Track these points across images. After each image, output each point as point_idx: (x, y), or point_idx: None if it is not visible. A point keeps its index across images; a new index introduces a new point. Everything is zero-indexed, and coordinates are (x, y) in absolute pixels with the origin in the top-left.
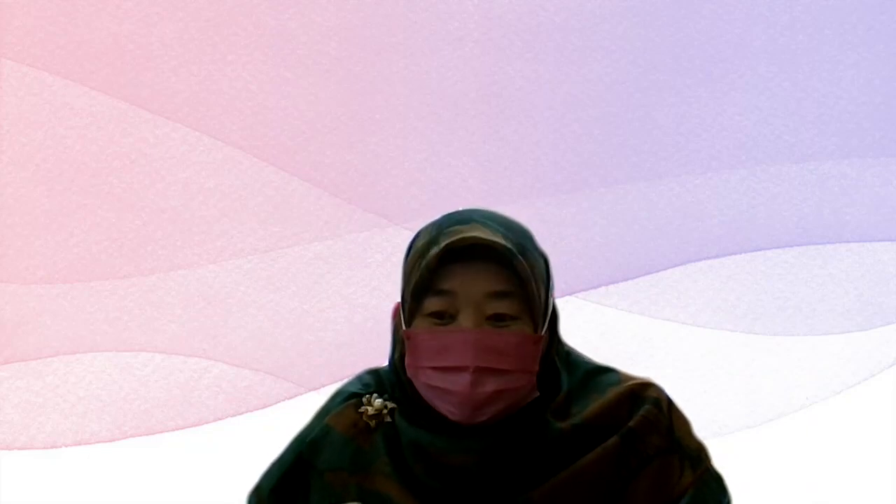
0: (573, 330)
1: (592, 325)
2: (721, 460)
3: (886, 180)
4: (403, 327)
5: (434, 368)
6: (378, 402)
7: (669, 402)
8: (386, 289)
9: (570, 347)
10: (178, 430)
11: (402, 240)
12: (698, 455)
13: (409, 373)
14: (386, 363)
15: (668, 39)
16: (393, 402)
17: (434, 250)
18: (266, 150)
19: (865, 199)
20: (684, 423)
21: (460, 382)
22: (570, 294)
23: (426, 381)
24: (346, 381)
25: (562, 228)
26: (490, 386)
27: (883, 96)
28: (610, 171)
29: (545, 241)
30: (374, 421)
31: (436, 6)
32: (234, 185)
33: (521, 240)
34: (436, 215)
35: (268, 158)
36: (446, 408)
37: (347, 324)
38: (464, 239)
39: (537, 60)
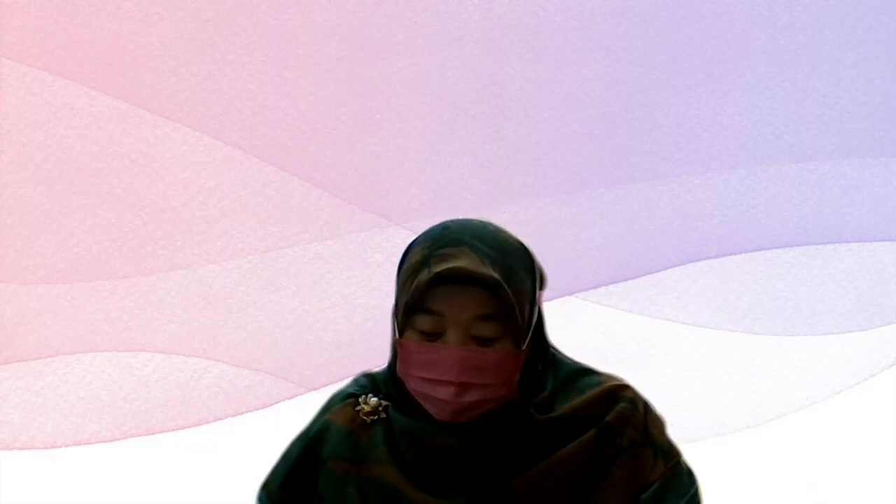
0: (573, 330)
1: (592, 325)
2: (721, 460)
3: (886, 180)
4: (396, 336)
5: (422, 378)
6: (373, 400)
7: (645, 403)
8: (386, 289)
9: (555, 349)
10: (178, 430)
11: (402, 240)
12: (670, 450)
13: (399, 375)
14: (382, 365)
15: (668, 39)
16: (387, 401)
17: (424, 274)
18: (266, 150)
19: (865, 199)
20: (658, 422)
21: (445, 392)
22: (570, 294)
23: (415, 386)
24: (343, 383)
25: (562, 228)
26: (472, 396)
27: (883, 96)
28: (610, 171)
29: (545, 241)
30: (370, 418)
31: (436, 6)
32: (234, 185)
33: (510, 262)
34: (436, 215)
35: (268, 158)
36: (431, 409)
37: (347, 324)
38: (451, 269)
39: (537, 60)
